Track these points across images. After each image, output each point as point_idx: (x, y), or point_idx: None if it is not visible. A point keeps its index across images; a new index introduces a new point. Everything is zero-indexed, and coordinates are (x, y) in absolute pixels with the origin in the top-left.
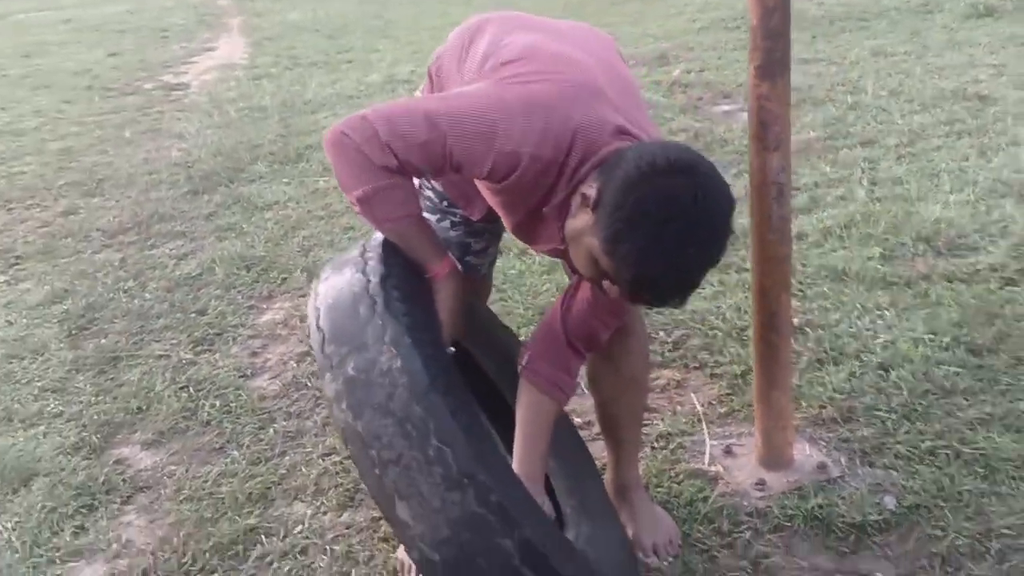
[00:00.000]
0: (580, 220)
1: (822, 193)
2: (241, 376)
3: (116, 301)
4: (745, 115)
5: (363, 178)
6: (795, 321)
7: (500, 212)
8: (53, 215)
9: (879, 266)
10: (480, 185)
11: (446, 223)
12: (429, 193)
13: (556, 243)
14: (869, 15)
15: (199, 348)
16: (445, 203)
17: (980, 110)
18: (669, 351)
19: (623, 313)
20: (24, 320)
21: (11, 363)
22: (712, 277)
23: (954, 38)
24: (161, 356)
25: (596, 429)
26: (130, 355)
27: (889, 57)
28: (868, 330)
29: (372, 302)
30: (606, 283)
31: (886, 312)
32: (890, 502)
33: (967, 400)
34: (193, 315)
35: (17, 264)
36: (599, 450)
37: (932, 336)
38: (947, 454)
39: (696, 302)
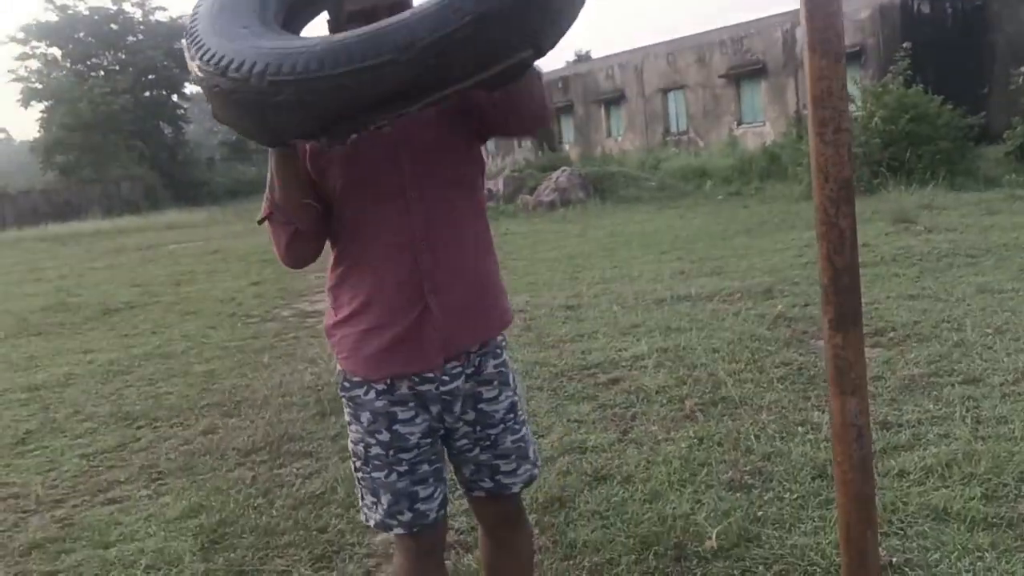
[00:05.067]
0: None
1: (924, 431)
2: None
3: (246, 517)
4: None
5: None
6: (894, 560)
7: None
8: (194, 434)
9: (980, 506)
10: None
11: (393, 476)
12: (376, 450)
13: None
14: (977, 251)
15: (318, 565)
16: (392, 452)
17: None
18: None
19: None
20: (163, 533)
21: (149, 574)
22: (813, 512)
23: None
24: (283, 572)
25: None
26: (255, 570)
27: (996, 294)
28: (967, 571)
29: None
30: None
31: (986, 553)
32: None
33: None
34: (315, 532)
35: (159, 479)
36: None
37: None
38: None
39: (797, 537)
